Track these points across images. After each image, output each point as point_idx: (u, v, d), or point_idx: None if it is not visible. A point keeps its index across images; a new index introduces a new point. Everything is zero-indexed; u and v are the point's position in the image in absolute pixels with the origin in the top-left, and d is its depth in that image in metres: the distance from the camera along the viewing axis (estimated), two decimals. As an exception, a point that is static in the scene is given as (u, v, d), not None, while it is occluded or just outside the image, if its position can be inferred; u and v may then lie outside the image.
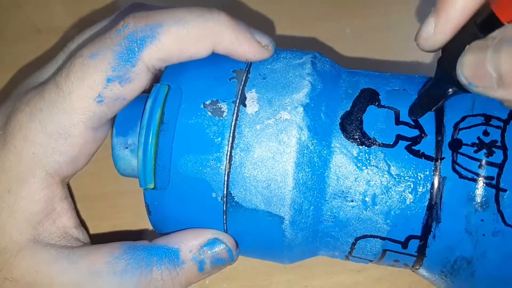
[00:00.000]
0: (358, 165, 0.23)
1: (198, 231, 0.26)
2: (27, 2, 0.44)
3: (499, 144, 0.22)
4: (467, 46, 0.20)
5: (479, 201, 0.22)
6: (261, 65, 0.26)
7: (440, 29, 0.21)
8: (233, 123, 0.24)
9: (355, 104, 0.25)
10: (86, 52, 0.25)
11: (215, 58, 0.26)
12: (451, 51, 0.21)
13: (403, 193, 0.23)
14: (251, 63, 0.26)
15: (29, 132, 0.25)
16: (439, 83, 0.23)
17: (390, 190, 0.23)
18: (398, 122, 0.24)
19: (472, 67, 0.19)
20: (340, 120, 0.24)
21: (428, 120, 0.24)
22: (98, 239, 0.28)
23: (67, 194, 0.28)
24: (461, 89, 0.21)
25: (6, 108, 0.27)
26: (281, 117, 0.24)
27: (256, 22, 0.41)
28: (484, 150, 0.22)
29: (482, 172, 0.22)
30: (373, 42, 0.40)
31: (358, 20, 0.42)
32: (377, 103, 0.24)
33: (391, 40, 0.41)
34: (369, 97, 0.25)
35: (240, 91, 0.25)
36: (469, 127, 0.23)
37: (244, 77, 0.25)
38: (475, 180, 0.22)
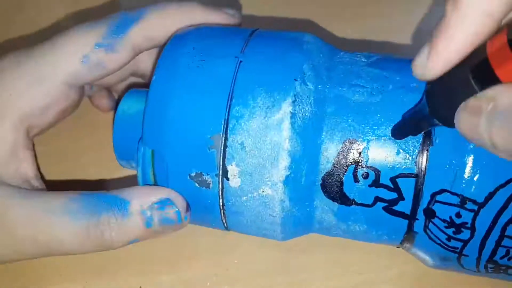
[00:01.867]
0: (338, 217, 0.26)
1: (153, 189, 0.27)
2: (28, 2, 0.45)
3: (468, 225, 0.23)
4: (463, 103, 0.19)
5: (443, 256, 0.25)
6: (238, 125, 0.24)
7: (432, 63, 0.20)
8: (220, 193, 0.26)
9: (336, 163, 0.24)
10: (83, 24, 0.30)
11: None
12: (441, 87, 0.21)
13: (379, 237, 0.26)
14: (227, 124, 0.24)
15: (9, 75, 0.29)
16: (424, 112, 0.22)
17: (368, 233, 0.26)
18: (378, 184, 0.24)
19: (467, 127, 0.20)
20: (321, 181, 0.25)
21: (407, 184, 0.24)
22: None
23: (30, 145, 0.30)
24: (446, 125, 0.21)
25: None
26: (263, 191, 0.25)
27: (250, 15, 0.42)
28: (453, 229, 0.23)
29: (449, 243, 0.24)
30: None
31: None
32: (359, 162, 0.24)
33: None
34: (351, 155, 0.24)
35: (221, 165, 0.25)
36: (445, 203, 0.23)
37: (222, 145, 0.25)
38: (441, 246, 0.24)
